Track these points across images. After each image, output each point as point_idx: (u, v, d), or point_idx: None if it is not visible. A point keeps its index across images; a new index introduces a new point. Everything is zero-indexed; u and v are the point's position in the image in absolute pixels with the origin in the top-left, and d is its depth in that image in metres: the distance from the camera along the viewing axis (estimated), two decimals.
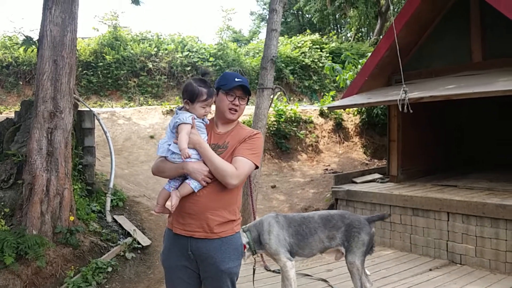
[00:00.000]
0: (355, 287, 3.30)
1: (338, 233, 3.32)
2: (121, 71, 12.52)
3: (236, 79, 2.35)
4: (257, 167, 2.33)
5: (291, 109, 9.86)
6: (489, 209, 4.51)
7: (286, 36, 16.96)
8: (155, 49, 13.34)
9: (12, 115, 6.49)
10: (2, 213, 4.65)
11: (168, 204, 2.30)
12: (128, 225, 5.32)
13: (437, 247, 4.97)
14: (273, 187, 7.85)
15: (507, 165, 7.01)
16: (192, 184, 2.23)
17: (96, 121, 6.44)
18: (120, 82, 12.52)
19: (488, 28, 5.67)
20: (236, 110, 2.34)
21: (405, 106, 4.78)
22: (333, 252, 3.44)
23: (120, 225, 5.33)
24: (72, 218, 4.75)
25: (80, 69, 12.07)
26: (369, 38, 19.77)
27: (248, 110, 9.74)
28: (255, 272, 3.25)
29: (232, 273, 2.31)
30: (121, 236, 5.13)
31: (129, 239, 5.00)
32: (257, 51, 15.14)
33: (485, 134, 7.88)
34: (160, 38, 14.22)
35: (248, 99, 2.40)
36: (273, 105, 9.17)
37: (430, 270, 4.54)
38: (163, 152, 2.31)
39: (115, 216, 5.50)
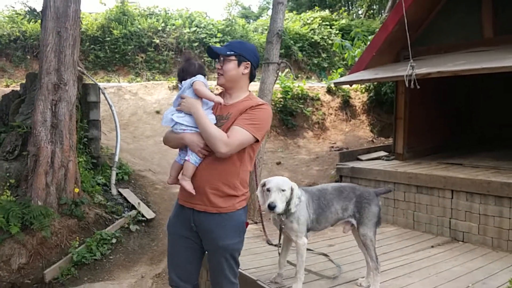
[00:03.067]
0: (370, 258, 3.28)
1: (350, 204, 3.29)
2: (128, 46, 12.44)
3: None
4: (257, 140, 2.25)
5: (298, 86, 9.76)
6: (493, 187, 4.46)
7: (295, 12, 16.65)
8: (163, 25, 13.20)
9: (19, 88, 6.52)
10: (8, 184, 4.73)
11: (185, 185, 2.33)
12: (132, 198, 5.38)
13: (440, 224, 4.96)
14: (278, 163, 7.85)
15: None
16: (191, 159, 2.24)
17: (102, 95, 6.44)
18: (127, 58, 12.45)
19: (500, 4, 5.48)
20: (220, 73, 2.35)
21: (412, 82, 4.69)
22: (342, 224, 3.42)
23: (125, 198, 5.39)
24: (77, 190, 4.81)
25: (87, 44, 12.02)
26: (380, 15, 19.32)
27: (255, 86, 9.67)
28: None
29: (232, 249, 2.35)
30: (125, 209, 5.20)
31: (133, 212, 5.07)
32: (265, 27, 14.91)
33: (494, 112, 7.74)
34: (168, 13, 14.05)
35: (227, 60, 2.32)
36: (279, 81, 9.09)
37: (432, 247, 4.53)
38: (166, 122, 2.35)
39: (120, 189, 5.56)
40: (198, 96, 2.29)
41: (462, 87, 7.14)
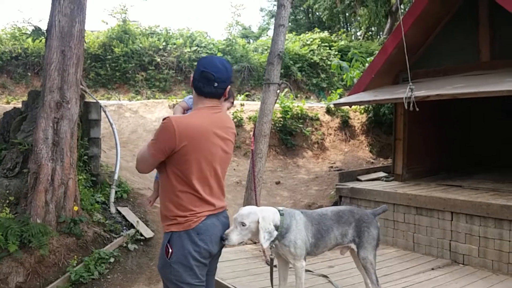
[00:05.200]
0: (370, 281, 3.26)
1: (350, 228, 3.27)
2: (129, 65, 12.56)
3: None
4: (153, 155, 2.17)
5: (297, 106, 9.84)
6: (493, 209, 4.47)
7: (294, 33, 16.89)
8: (164, 43, 13.36)
9: (20, 105, 6.54)
10: (7, 201, 4.70)
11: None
12: (131, 217, 5.36)
13: (440, 246, 4.94)
14: (278, 183, 7.85)
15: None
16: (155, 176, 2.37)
17: (102, 113, 6.47)
18: (128, 76, 12.56)
19: (497, 28, 5.60)
20: None
21: (411, 104, 4.75)
22: (340, 248, 3.40)
23: (123, 217, 5.37)
24: (76, 208, 4.79)
25: (88, 61, 12.13)
26: (378, 37, 19.63)
27: (255, 106, 9.76)
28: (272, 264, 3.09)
29: (161, 274, 2.26)
30: (124, 227, 5.17)
31: (132, 231, 5.04)
32: (265, 47, 15.10)
33: (493, 134, 7.80)
34: (169, 32, 14.24)
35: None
36: (279, 101, 9.16)
37: (432, 269, 4.52)
38: None
39: (119, 208, 5.54)
40: None
41: (460, 109, 7.22)
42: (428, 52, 6.45)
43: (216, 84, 2.22)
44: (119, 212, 5.46)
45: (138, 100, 11.16)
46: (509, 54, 5.39)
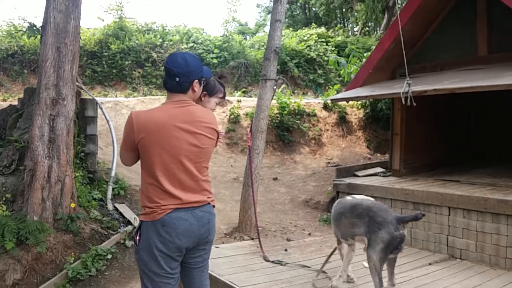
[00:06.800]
0: (373, 282, 3.24)
1: (361, 222, 3.34)
2: (125, 62, 12.51)
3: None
4: (122, 147, 2.35)
5: (294, 102, 9.82)
6: (490, 204, 4.47)
7: (291, 29, 16.86)
8: (160, 40, 13.32)
9: (16, 103, 6.51)
10: (4, 199, 4.68)
11: None
12: (129, 214, 5.34)
13: (437, 241, 4.95)
14: (275, 179, 7.84)
15: (508, 160, 6.97)
16: None
17: (99, 109, 6.44)
18: (124, 73, 12.52)
19: (494, 23, 5.59)
20: None
21: (409, 99, 4.74)
22: (361, 239, 3.46)
23: (121, 213, 5.35)
24: (73, 205, 4.77)
25: (84, 58, 12.09)
26: (375, 32, 19.60)
27: (251, 102, 9.75)
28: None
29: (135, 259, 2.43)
30: (121, 224, 5.16)
31: (129, 227, 5.03)
32: (262, 43, 15.08)
33: (491, 130, 7.81)
34: (165, 29, 14.20)
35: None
36: (276, 97, 9.15)
37: (430, 264, 4.52)
38: None
39: (116, 205, 5.52)
40: None
41: (458, 104, 7.22)
42: (426, 47, 6.43)
43: (177, 79, 2.31)
44: (116, 209, 5.45)
45: (135, 97, 11.13)
46: (506, 48, 5.38)
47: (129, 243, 4.83)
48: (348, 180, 6.25)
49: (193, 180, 2.32)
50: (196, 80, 2.37)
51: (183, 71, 2.31)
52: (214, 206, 2.48)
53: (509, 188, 5.06)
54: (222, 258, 4.44)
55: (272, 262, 4.42)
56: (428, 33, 6.40)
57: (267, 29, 23.31)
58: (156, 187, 2.26)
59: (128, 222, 5.18)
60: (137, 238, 2.30)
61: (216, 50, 13.59)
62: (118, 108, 9.25)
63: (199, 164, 2.35)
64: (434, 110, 6.68)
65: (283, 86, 10.78)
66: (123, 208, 5.48)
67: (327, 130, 9.72)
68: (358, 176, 6.66)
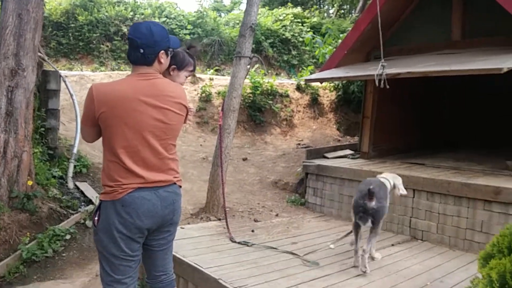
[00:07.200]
0: None
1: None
2: (93, 34, 12.01)
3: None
4: (82, 122, 2.26)
5: (268, 82, 9.70)
6: (453, 187, 4.55)
7: (267, 8, 16.58)
8: (131, 13, 12.82)
9: None
10: None
11: None
12: (90, 193, 5.16)
13: (400, 223, 5.03)
14: (244, 159, 7.77)
15: (478, 146, 7.14)
16: None
17: (62, 83, 6.16)
18: (92, 46, 12.02)
19: (469, 7, 5.59)
20: None
21: (382, 82, 4.71)
22: None
23: (82, 192, 5.17)
24: (30, 182, 4.56)
25: (50, 29, 11.52)
26: (350, 15, 19.54)
27: (224, 81, 9.56)
28: None
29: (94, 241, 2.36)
30: (82, 203, 4.98)
31: (90, 207, 4.86)
32: (237, 21, 14.78)
33: (466, 114, 7.94)
34: (137, 2, 13.70)
35: None
36: (249, 77, 9.00)
37: (392, 245, 4.59)
38: None
39: (77, 183, 5.33)
40: None
41: (432, 89, 7.27)
42: (402, 30, 6.39)
43: (142, 50, 2.17)
44: (77, 188, 5.26)
45: (102, 71, 10.73)
46: (480, 33, 5.40)
47: (89, 223, 4.67)
48: (317, 162, 6.24)
49: (158, 158, 2.21)
50: (163, 51, 2.22)
51: (148, 42, 2.16)
52: (180, 187, 2.38)
53: (472, 172, 5.17)
54: (187, 239, 4.36)
55: (239, 243, 4.37)
56: (405, 15, 6.35)
57: (242, 7, 22.87)
58: (117, 164, 2.14)
59: (90, 201, 5.01)
60: (96, 218, 2.20)
61: (189, 26, 13.23)
62: (83, 83, 8.89)
63: (165, 141, 2.23)
64: (407, 94, 6.71)
65: (256, 65, 10.63)
66: (85, 187, 5.29)
67: (299, 111, 9.68)
68: (327, 158, 6.66)
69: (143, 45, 2.15)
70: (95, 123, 2.17)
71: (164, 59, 2.25)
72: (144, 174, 2.16)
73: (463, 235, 4.45)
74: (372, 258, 3.92)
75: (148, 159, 2.18)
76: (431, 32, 6.03)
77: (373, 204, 3.48)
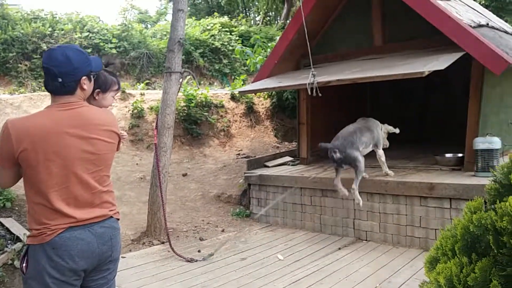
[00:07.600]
0: None
1: None
2: (9, 53, 11.09)
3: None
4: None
5: (201, 94, 9.55)
6: (390, 186, 4.74)
7: (194, 18, 16.42)
8: (50, 29, 12.02)
9: None
10: None
11: None
12: (17, 229, 4.69)
13: (344, 225, 5.14)
14: (184, 175, 7.56)
15: (405, 141, 7.53)
16: None
17: None
18: (8, 66, 11.09)
19: (388, 13, 5.87)
20: None
21: (314, 90, 4.79)
22: None
23: (7, 229, 4.67)
24: None
25: None
26: (276, 22, 19.96)
27: (156, 95, 9.26)
28: None
29: None
30: (8, 242, 4.50)
31: (18, 245, 4.40)
32: (164, 32, 14.46)
33: (387, 114, 8.33)
34: (55, 17, 12.88)
35: None
36: (182, 89, 8.80)
37: (339, 249, 4.67)
38: None
39: (1, 219, 4.82)
40: None
41: (357, 91, 7.55)
42: (327, 37, 6.58)
43: (60, 80, 1.95)
44: (2, 224, 4.75)
45: (21, 93, 9.91)
46: (399, 37, 5.69)
47: (18, 263, 4.23)
48: (259, 172, 6.22)
49: (91, 193, 2.01)
50: (85, 77, 2.01)
51: (66, 70, 1.95)
52: (118, 219, 2.19)
53: (405, 169, 5.44)
54: (130, 269, 4.11)
55: (190, 260, 4.27)
56: (328, 23, 6.54)
57: (169, 17, 22.49)
58: (44, 206, 1.91)
59: (17, 239, 4.54)
60: (24, 265, 1.94)
61: (114, 40, 12.69)
62: (1, 107, 8.15)
63: (97, 173, 2.03)
64: (336, 97, 6.91)
65: (188, 76, 10.44)
66: (10, 223, 4.80)
67: (236, 121, 9.64)
68: (268, 166, 6.68)
69: (62, 74, 1.95)
70: (14, 163, 1.92)
71: (87, 85, 2.05)
72: (74, 214, 1.96)
73: (404, 232, 4.64)
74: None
75: (81, 196, 1.98)
76: (354, 39, 6.27)
77: (337, 155, 4.64)
